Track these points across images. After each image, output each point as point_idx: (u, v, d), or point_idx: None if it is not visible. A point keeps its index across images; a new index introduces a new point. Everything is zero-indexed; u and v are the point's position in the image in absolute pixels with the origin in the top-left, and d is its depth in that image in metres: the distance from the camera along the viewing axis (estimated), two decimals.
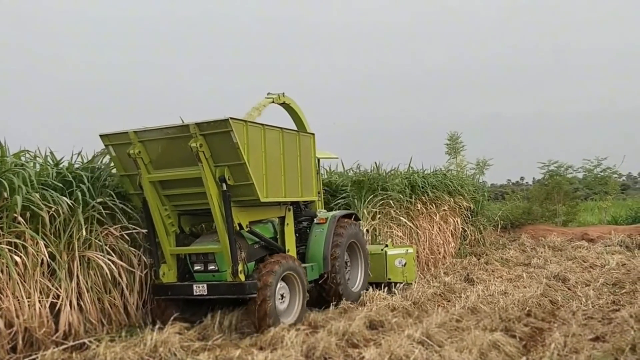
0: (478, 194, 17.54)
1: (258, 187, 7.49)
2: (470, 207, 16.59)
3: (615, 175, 23.62)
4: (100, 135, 7.87)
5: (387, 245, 10.89)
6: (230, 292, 7.60)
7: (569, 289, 10.50)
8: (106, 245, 7.85)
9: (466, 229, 16.42)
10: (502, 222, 18.75)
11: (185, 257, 8.13)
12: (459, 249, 15.80)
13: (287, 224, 8.75)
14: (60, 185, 7.61)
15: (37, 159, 8.05)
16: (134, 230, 8.24)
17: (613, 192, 23.18)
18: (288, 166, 8.27)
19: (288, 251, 8.63)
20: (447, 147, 20.94)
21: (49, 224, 7.24)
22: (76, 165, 8.21)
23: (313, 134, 9.26)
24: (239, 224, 7.67)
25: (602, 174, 22.77)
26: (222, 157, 7.32)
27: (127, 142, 7.61)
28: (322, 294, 9.08)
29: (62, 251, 7.38)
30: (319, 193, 10.07)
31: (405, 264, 10.59)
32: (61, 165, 8.07)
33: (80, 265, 7.54)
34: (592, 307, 9.04)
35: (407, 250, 10.88)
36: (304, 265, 8.58)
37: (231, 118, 7.16)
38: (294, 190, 8.50)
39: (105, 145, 7.92)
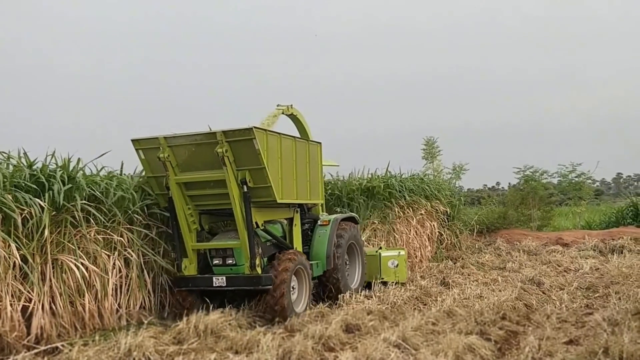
0: (454, 199, 17.66)
1: (275, 189, 8.33)
2: (446, 212, 16.70)
3: (589, 181, 23.95)
4: (132, 140, 8.56)
5: (381, 248, 11.95)
6: (247, 284, 8.44)
7: (543, 292, 10.59)
8: (79, 248, 7.75)
9: (442, 233, 16.51)
10: (478, 226, 18.91)
11: (205, 252, 8.88)
12: (436, 252, 15.88)
13: (295, 224, 9.66)
14: (34, 186, 7.51)
15: (11, 160, 7.91)
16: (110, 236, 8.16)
17: (587, 198, 23.49)
18: (299, 171, 9.17)
19: (295, 249, 9.35)
20: (424, 152, 21.05)
21: (22, 227, 7.12)
22: (51, 167, 8.09)
23: (320, 143, 10.06)
24: (256, 223, 8.44)
25: (576, 179, 23.06)
26: (244, 161, 8.14)
27: (156, 146, 8.35)
28: (324, 290, 9.87)
29: (34, 254, 7.27)
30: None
31: (397, 265, 11.44)
32: (35, 167, 7.94)
33: (53, 268, 7.44)
34: (566, 310, 9.13)
35: (400, 252, 11.72)
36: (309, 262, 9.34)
37: (254, 127, 7.93)
38: (304, 194, 9.40)
39: (136, 149, 8.60)
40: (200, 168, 8.37)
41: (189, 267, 8.73)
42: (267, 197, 8.39)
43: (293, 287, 8.65)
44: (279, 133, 8.73)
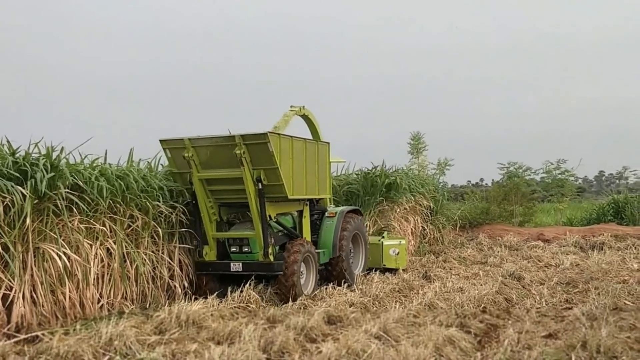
0: (438, 194, 17.75)
1: (287, 186, 9.19)
2: (430, 207, 16.79)
3: (572, 178, 24.14)
4: (160, 140, 9.42)
5: (383, 237, 12.77)
6: (261, 269, 9.39)
7: (523, 287, 10.69)
8: (61, 237, 7.70)
9: (426, 227, 16.62)
10: (460, 221, 19.06)
11: (223, 240, 9.76)
12: (419, 247, 15.98)
13: (305, 216, 10.51)
14: (17, 174, 7.44)
15: None
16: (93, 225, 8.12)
17: (569, 194, 23.68)
18: (309, 169, 10.03)
19: (304, 238, 10.21)
20: (410, 147, 21.06)
21: (3, 214, 7.07)
22: (34, 155, 8.00)
23: (328, 143, 10.95)
24: (269, 215, 9.34)
25: (560, 176, 23.23)
26: (260, 162, 8.98)
27: (181, 146, 9.23)
28: (331, 275, 10.67)
29: (15, 242, 7.21)
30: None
31: (398, 252, 12.46)
32: (18, 155, 7.86)
33: (34, 257, 7.40)
34: (546, 305, 9.23)
35: (400, 241, 12.77)
36: (317, 250, 10.21)
37: (269, 132, 8.81)
38: (313, 189, 10.26)
39: (163, 149, 9.50)
40: (220, 166, 9.24)
41: (209, 254, 9.66)
42: (279, 194, 9.26)
43: (302, 272, 9.50)
44: (290, 136, 9.55)
